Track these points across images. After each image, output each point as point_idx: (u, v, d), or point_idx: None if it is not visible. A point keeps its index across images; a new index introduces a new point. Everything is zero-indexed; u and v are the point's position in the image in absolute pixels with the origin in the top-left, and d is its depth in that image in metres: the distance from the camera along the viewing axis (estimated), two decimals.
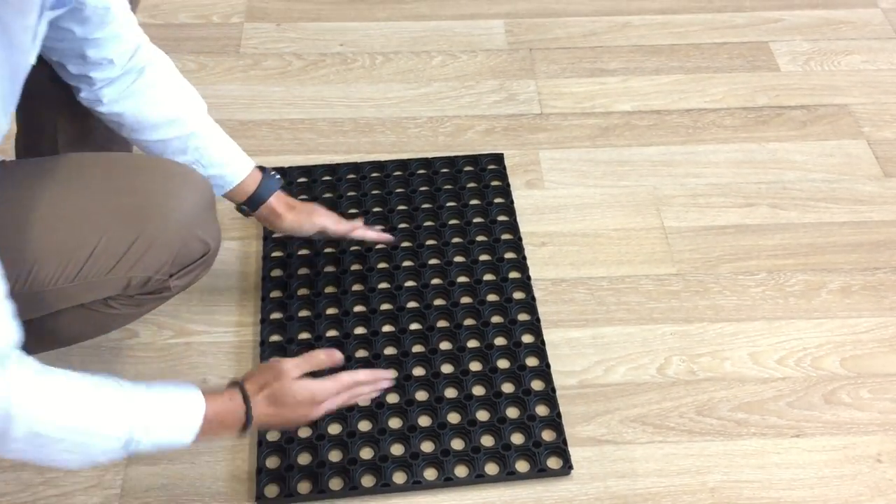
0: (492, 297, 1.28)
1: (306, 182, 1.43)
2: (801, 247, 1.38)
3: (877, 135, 1.55)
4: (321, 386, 0.97)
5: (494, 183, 1.43)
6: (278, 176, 1.20)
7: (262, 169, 1.18)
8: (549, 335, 1.25)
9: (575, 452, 1.13)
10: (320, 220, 1.22)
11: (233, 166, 1.14)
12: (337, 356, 1.02)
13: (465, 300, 1.28)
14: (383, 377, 1.04)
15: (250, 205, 1.17)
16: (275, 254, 1.34)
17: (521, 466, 1.11)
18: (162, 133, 1.08)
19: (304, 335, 1.25)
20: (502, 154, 1.48)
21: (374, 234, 1.27)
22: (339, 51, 1.69)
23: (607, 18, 1.78)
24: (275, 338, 1.24)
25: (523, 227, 1.38)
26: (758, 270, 1.35)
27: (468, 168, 1.46)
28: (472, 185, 1.43)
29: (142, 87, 1.06)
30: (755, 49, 1.72)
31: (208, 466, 1.12)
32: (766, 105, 1.61)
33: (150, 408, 0.86)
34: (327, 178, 1.44)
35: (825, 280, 1.34)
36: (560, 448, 1.11)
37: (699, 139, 1.54)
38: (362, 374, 1.02)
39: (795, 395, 1.20)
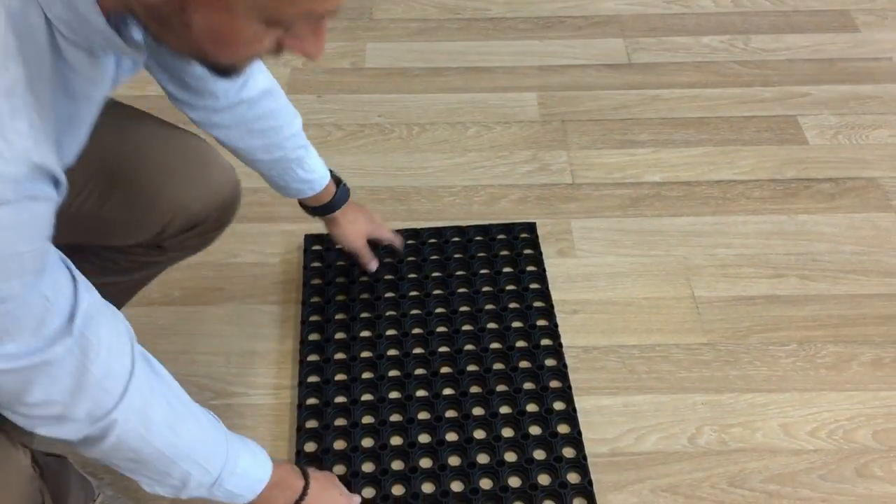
0: (524, 364, 1.30)
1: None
2: (831, 318, 1.39)
3: None
4: None
5: (527, 251, 1.47)
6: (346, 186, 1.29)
7: (335, 179, 1.27)
8: (580, 402, 1.27)
9: None
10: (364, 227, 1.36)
11: (316, 179, 1.22)
12: None
13: (498, 366, 1.30)
14: None
15: (322, 212, 1.28)
16: (313, 318, 1.38)
17: None
18: (265, 155, 1.14)
19: (339, 398, 1.27)
20: (535, 223, 1.51)
21: (400, 240, 1.43)
22: (377, 121, 1.76)
23: (637, 91, 1.84)
24: (312, 401, 1.27)
25: (555, 295, 1.41)
26: (788, 341, 1.36)
27: (501, 236, 1.50)
28: (504, 252, 1.47)
29: (249, 119, 1.08)
30: (783, 122, 1.76)
31: None
32: (794, 177, 1.63)
33: (236, 452, 0.91)
34: None
35: (856, 352, 1.34)
36: None
37: (728, 210, 1.57)
38: None
39: (827, 467, 1.20)
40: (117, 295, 1.11)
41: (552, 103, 1.81)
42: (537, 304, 1.38)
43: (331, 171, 1.25)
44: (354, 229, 1.33)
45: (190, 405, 0.88)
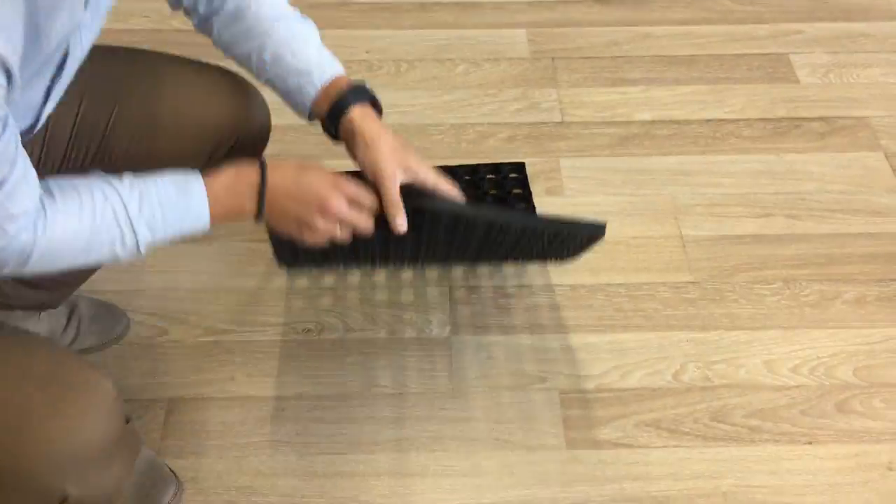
0: None
1: None
2: (817, 257, 1.40)
3: (894, 147, 1.57)
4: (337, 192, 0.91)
5: (516, 191, 1.46)
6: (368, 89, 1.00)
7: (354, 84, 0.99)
8: (567, 340, 1.28)
9: (592, 455, 1.16)
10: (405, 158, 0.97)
11: (314, 71, 0.98)
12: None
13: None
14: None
15: (336, 115, 0.97)
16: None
17: None
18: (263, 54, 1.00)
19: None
20: (524, 163, 1.50)
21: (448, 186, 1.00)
22: (364, 58, 1.73)
23: (628, 29, 1.81)
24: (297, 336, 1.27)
25: None
26: (774, 280, 1.37)
27: (490, 176, 1.49)
28: (493, 192, 1.46)
29: (251, 21, 0.99)
30: (775, 61, 1.74)
31: (234, 461, 1.16)
32: (784, 117, 1.63)
33: (153, 202, 0.85)
34: None
35: (840, 290, 1.36)
36: None
37: (718, 149, 1.57)
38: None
39: (808, 403, 1.22)
40: None
41: (542, 40, 1.78)
42: None
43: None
44: (387, 151, 0.95)
45: (68, 196, 0.83)
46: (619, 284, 1.36)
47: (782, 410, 1.21)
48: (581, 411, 1.20)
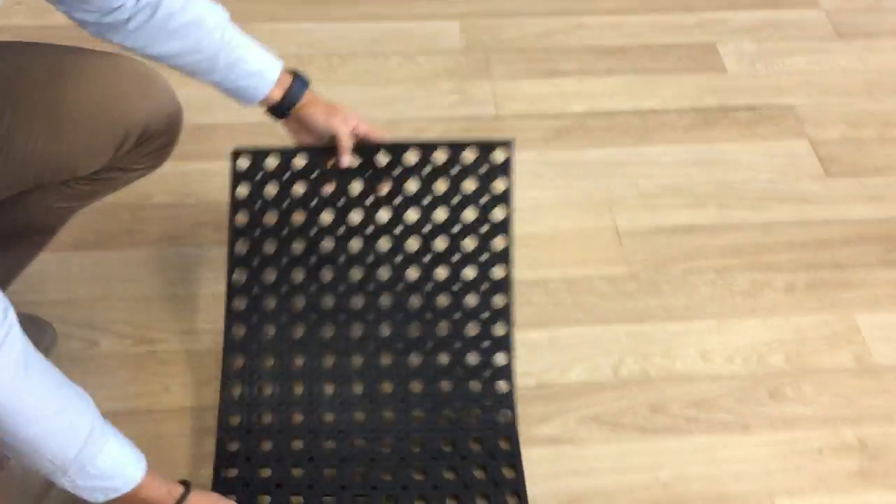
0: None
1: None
2: (747, 246, 1.43)
3: (819, 135, 1.61)
4: None
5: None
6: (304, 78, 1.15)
7: (290, 72, 1.14)
8: None
9: (533, 452, 1.17)
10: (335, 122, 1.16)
11: (266, 69, 1.10)
12: None
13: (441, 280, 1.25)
14: None
15: (291, 100, 1.12)
16: (239, 251, 1.27)
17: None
18: (187, 59, 1.05)
19: (270, 330, 1.24)
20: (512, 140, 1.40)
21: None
22: (295, 52, 1.70)
23: (560, 18, 1.81)
24: (239, 332, 1.23)
25: None
26: (707, 270, 1.40)
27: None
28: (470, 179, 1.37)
29: (158, 23, 1.01)
30: (703, 50, 1.76)
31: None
32: (713, 106, 1.65)
33: (94, 449, 0.85)
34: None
35: (770, 279, 1.39)
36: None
37: (650, 140, 1.59)
38: None
39: (743, 391, 1.25)
40: (65, 215, 1.13)
41: (475, 31, 1.77)
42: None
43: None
44: (333, 111, 1.16)
45: (52, 394, 0.83)
46: (558, 279, 1.37)
47: (718, 400, 1.24)
48: (523, 409, 1.21)
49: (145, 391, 1.22)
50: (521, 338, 1.29)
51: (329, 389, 1.20)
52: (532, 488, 1.13)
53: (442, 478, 1.13)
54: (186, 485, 0.96)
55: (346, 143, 1.16)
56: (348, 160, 1.17)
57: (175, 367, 1.25)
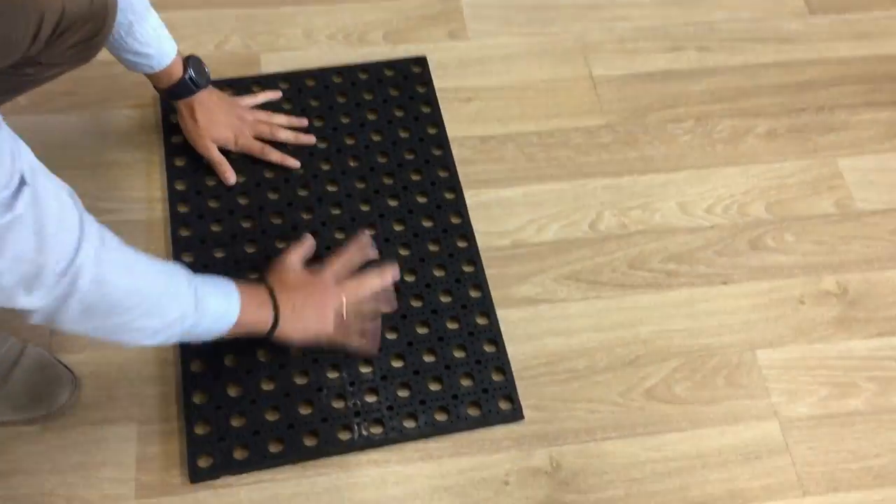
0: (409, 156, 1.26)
1: None
2: (728, 91, 1.37)
3: None
4: (322, 267, 1.06)
5: (419, 89, 1.32)
6: (204, 73, 1.16)
7: (188, 61, 1.14)
8: (479, 196, 1.22)
9: (511, 314, 1.13)
10: (216, 136, 1.19)
11: (153, 55, 1.09)
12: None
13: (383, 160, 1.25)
14: (389, 273, 1.08)
15: (173, 95, 1.16)
16: (173, 120, 1.24)
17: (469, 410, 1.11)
18: None
19: (214, 204, 1.19)
20: (425, 57, 1.35)
21: (277, 155, 1.22)
22: None
23: None
24: (183, 209, 1.18)
25: (448, 82, 1.32)
26: (686, 118, 1.33)
27: (389, 73, 1.33)
28: (395, 93, 1.30)
29: None
30: None
31: (137, 352, 1.08)
32: None
33: (203, 282, 0.90)
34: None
35: (752, 125, 1.33)
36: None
37: None
38: (356, 256, 1.09)
39: (723, 242, 1.22)
40: None
41: None
42: (436, 152, 1.25)
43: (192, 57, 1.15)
44: (205, 129, 1.18)
45: (138, 252, 0.85)
46: (531, 133, 1.30)
47: (697, 252, 1.21)
48: (498, 270, 1.16)
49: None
50: (493, 197, 1.23)
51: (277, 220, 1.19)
52: (511, 350, 1.10)
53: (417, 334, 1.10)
54: (269, 288, 0.99)
55: (222, 167, 1.20)
56: (233, 178, 1.20)
57: (129, 237, 1.15)
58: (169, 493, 0.99)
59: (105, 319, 0.80)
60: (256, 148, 1.21)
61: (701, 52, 1.40)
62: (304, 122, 1.25)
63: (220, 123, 1.19)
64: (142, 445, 1.02)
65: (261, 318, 0.97)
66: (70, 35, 0.90)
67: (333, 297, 1.02)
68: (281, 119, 1.24)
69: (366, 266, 1.09)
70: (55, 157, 1.21)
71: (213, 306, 0.91)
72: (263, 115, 1.24)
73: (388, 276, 1.08)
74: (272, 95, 1.27)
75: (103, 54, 0.99)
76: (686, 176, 1.27)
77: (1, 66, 0.89)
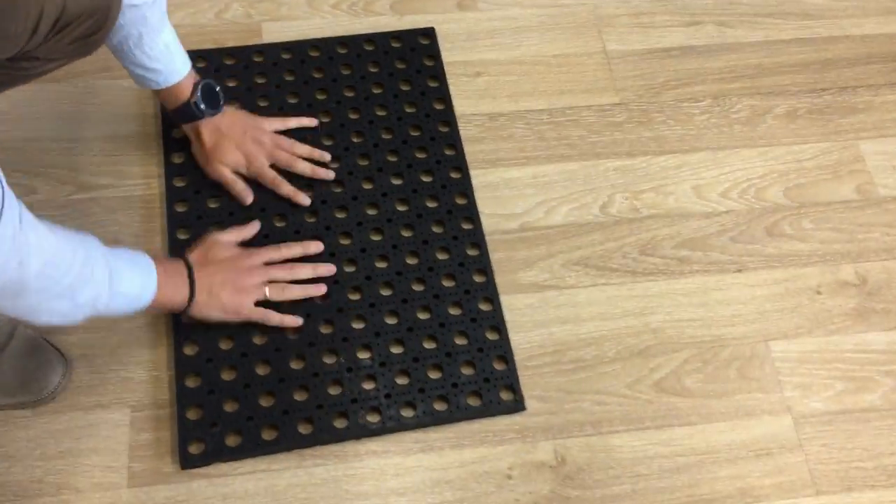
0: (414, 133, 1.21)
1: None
2: (747, 68, 1.31)
3: None
4: (254, 250, 1.05)
5: (427, 63, 1.27)
6: (214, 101, 1.10)
7: (199, 86, 1.08)
8: (486, 176, 1.18)
9: (516, 300, 1.10)
10: (226, 160, 1.13)
11: (162, 72, 1.05)
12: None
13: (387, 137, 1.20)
14: (324, 267, 1.08)
15: (180, 118, 1.11)
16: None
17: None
18: None
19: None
20: (433, 28, 1.30)
21: (289, 189, 1.13)
22: None
23: None
24: (179, 184, 1.14)
25: (456, 56, 1.27)
26: (703, 96, 1.28)
27: (396, 45, 1.29)
28: (401, 65, 1.26)
29: None
30: None
31: (129, 333, 1.05)
32: None
33: (115, 260, 0.88)
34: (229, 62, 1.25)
35: (771, 104, 1.28)
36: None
37: None
38: (296, 248, 1.05)
39: (738, 228, 1.17)
40: None
41: None
42: (442, 129, 1.20)
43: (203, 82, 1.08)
44: (212, 153, 1.11)
45: (54, 230, 0.81)
46: (541, 110, 1.25)
47: (712, 238, 1.16)
48: (504, 254, 1.12)
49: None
50: (502, 177, 1.19)
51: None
52: (517, 338, 1.07)
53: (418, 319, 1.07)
54: (186, 264, 0.99)
55: (235, 187, 1.13)
56: (250, 198, 1.14)
57: (124, 215, 1.13)
58: (162, 482, 0.96)
59: (15, 300, 0.77)
60: (269, 177, 1.13)
61: (720, 27, 1.34)
62: (327, 156, 1.16)
63: (230, 146, 1.11)
64: (134, 432, 0.99)
65: (176, 298, 0.96)
66: (70, 30, 0.87)
67: (255, 278, 1.02)
68: (302, 150, 1.15)
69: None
70: (49, 127, 1.18)
71: (128, 287, 0.89)
72: (285, 143, 1.14)
73: (321, 268, 1.07)
74: (307, 122, 1.18)
75: None
76: (702, 158, 1.23)
77: None
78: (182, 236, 1.10)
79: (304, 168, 1.14)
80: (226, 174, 1.12)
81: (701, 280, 1.13)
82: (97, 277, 0.84)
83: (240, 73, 1.23)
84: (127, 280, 0.89)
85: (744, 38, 1.34)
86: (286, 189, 1.13)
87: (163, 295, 0.93)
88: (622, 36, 1.32)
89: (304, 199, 1.13)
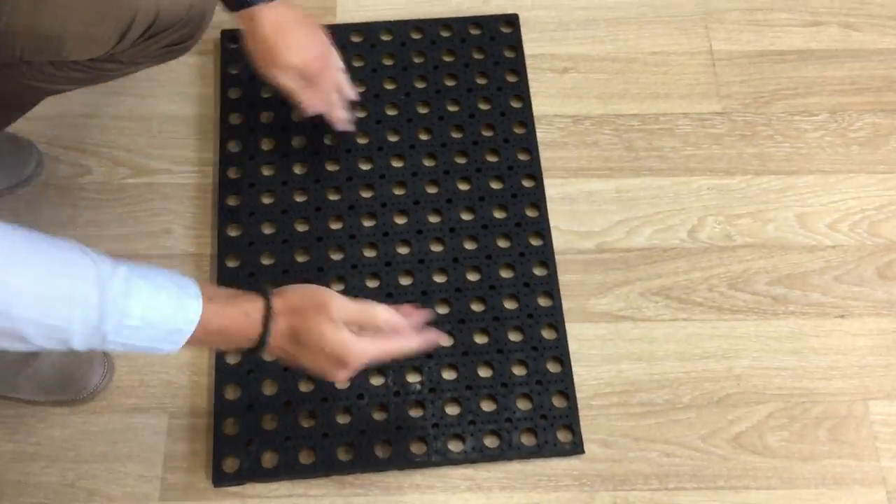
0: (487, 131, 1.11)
1: None
2: (872, 80, 1.16)
3: None
4: (360, 349, 0.74)
5: (508, 55, 1.16)
6: None
7: None
8: (563, 186, 1.08)
9: (585, 330, 1.00)
10: (292, 56, 0.94)
11: None
12: (404, 320, 0.78)
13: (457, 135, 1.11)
14: (437, 338, 0.81)
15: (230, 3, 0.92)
16: (232, 71, 1.14)
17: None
18: None
19: (267, 172, 1.08)
20: (517, 15, 1.18)
21: (344, 114, 1.03)
22: None
23: None
24: (234, 175, 1.07)
25: (543, 48, 1.16)
26: (818, 110, 1.13)
27: (475, 32, 1.18)
28: (478, 56, 1.15)
29: None
30: None
31: None
32: None
33: (131, 296, 0.64)
34: None
35: None
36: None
37: None
38: (416, 342, 0.78)
39: (845, 267, 1.04)
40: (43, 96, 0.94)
41: None
42: (518, 130, 1.10)
43: None
44: (275, 49, 0.93)
45: (32, 238, 0.62)
46: (632, 115, 1.13)
47: (813, 276, 1.04)
48: (576, 276, 1.03)
49: (142, 232, 1.06)
50: (581, 188, 1.08)
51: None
52: (583, 373, 0.98)
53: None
54: (265, 296, 0.73)
55: (300, 96, 0.97)
56: (313, 109, 0.99)
57: (178, 204, 1.08)
58: (195, 498, 0.92)
59: None
60: (333, 96, 1.00)
61: (845, 30, 1.19)
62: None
63: (300, 43, 0.94)
64: (171, 441, 0.95)
65: (240, 328, 0.72)
66: (161, 38, 0.84)
67: (347, 364, 0.75)
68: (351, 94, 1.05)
69: None
70: (108, 103, 1.13)
71: (146, 308, 0.65)
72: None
73: (426, 345, 0.80)
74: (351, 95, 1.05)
75: None
76: (810, 181, 1.09)
77: (77, 59, 0.83)
78: (232, 233, 1.04)
79: (355, 95, 1.05)
80: (286, 80, 0.95)
81: (796, 323, 1.01)
82: (81, 294, 0.62)
83: None
84: (146, 297, 0.65)
85: (871, 45, 1.18)
86: (341, 114, 1.03)
87: (206, 340, 0.70)
88: (732, 34, 1.18)
89: (349, 126, 1.05)
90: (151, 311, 0.65)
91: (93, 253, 0.64)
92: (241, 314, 0.71)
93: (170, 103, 1.13)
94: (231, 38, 1.15)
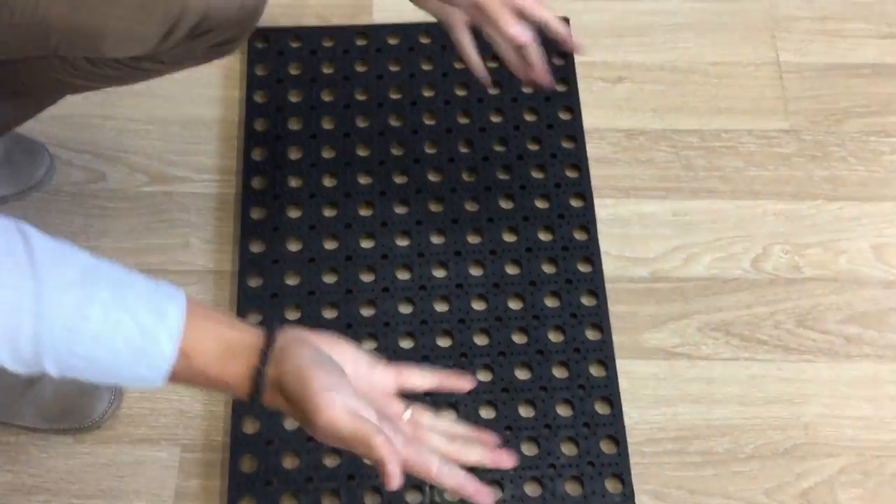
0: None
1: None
2: None
3: None
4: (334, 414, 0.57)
5: (557, 62, 1.07)
6: None
7: None
8: (615, 207, 0.99)
9: (637, 367, 0.91)
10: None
11: None
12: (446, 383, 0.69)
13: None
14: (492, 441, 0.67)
15: None
16: (259, 72, 1.07)
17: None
18: None
19: (294, 183, 1.00)
20: (567, 19, 1.09)
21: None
22: None
23: None
24: (258, 185, 1.00)
25: (597, 56, 1.07)
26: None
27: None
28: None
29: None
30: None
31: None
32: None
33: (76, 305, 0.55)
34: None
35: None
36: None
37: None
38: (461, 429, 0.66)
39: None
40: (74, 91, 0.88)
41: None
42: (566, 145, 1.02)
43: None
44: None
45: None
46: (692, 131, 1.04)
47: (891, 315, 0.94)
48: (628, 307, 0.94)
49: (159, 245, 0.98)
50: (634, 210, 1.00)
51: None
52: (634, 415, 0.89)
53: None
54: (269, 332, 0.60)
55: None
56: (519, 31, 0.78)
57: (198, 215, 1.00)
58: None
59: None
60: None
61: None
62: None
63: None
64: (182, 476, 0.87)
65: (228, 370, 0.58)
66: (207, 38, 0.77)
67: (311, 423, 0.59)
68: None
69: None
70: (127, 104, 1.06)
71: (106, 320, 0.55)
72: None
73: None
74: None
75: None
76: (888, 209, 1.00)
77: (115, 56, 0.76)
78: (255, 249, 0.96)
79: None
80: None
81: (872, 367, 0.92)
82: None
83: (338, 59, 1.07)
84: (110, 302, 0.56)
85: None
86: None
87: (190, 378, 0.58)
88: (801, 44, 1.09)
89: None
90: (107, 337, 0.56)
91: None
92: (228, 359, 0.58)
93: (192, 106, 1.06)
94: (259, 38, 1.07)
